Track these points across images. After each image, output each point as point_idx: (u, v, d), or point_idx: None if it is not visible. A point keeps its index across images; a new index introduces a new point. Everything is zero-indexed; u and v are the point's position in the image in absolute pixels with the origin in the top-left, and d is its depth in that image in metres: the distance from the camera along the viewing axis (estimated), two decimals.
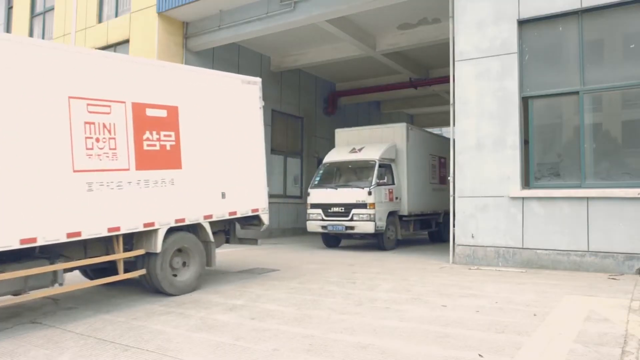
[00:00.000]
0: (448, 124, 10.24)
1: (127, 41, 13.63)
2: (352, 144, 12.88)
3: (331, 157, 12.80)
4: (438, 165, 14.50)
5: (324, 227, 11.78)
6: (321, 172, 12.61)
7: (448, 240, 12.60)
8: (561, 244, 7.77)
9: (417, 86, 17.54)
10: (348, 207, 11.40)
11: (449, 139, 15.33)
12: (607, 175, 7.78)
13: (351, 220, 11.35)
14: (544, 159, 8.36)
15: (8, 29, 18.80)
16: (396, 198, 12.03)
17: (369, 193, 11.15)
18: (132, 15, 13.54)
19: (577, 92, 7.96)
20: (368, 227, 11.20)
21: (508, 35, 8.36)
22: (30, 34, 17.02)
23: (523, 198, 8.09)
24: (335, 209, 11.61)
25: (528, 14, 8.22)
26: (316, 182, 12.35)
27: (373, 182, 11.30)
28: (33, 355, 4.16)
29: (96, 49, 14.38)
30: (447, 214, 13.91)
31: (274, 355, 3.95)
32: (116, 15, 14.39)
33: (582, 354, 3.74)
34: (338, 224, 11.55)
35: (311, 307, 5.60)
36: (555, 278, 7.01)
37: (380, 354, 3.91)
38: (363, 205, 11.21)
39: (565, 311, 5.09)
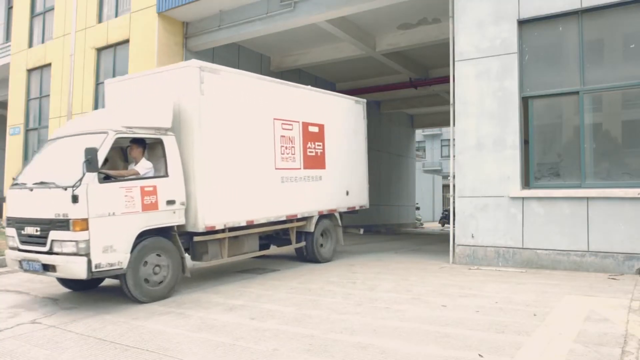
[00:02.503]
0: (448, 124, 10.24)
1: (127, 41, 13.62)
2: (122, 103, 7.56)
3: (61, 129, 6.95)
4: (301, 137, 8.84)
5: (20, 262, 6.02)
6: (36, 156, 6.87)
7: (324, 261, 9.18)
8: (561, 244, 7.77)
9: (417, 86, 17.54)
10: (45, 226, 5.71)
11: (326, 93, 10.12)
12: (607, 175, 7.78)
13: (50, 252, 5.67)
14: (544, 159, 8.36)
15: (8, 29, 18.82)
16: (170, 202, 6.36)
17: (74, 199, 5.45)
18: (132, 15, 13.54)
19: (577, 92, 7.96)
20: (74, 269, 5.51)
21: (508, 35, 8.35)
22: (30, 34, 17.03)
23: (523, 198, 8.09)
24: (30, 230, 5.90)
25: (528, 13, 8.21)
26: (18, 177, 6.52)
27: (84, 176, 5.51)
28: (33, 355, 4.16)
29: (96, 49, 14.47)
30: (327, 217, 9.53)
31: (274, 355, 3.95)
32: (116, 15, 14.39)
33: (582, 354, 3.74)
34: (33, 259, 5.82)
35: (311, 307, 5.60)
36: (555, 278, 7.01)
37: (380, 354, 3.91)
38: (64, 224, 5.54)
39: (565, 311, 5.09)
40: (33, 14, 17.06)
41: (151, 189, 6.24)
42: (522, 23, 8.34)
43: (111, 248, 5.71)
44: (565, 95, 8.17)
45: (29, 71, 16.83)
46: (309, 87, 9.48)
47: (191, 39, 13.44)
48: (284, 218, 8.40)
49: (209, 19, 13.01)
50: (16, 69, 17.17)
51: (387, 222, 23.71)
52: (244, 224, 7.55)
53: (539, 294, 5.96)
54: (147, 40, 12.97)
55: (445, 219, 28.49)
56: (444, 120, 22.55)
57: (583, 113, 7.92)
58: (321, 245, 9.48)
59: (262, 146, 8.02)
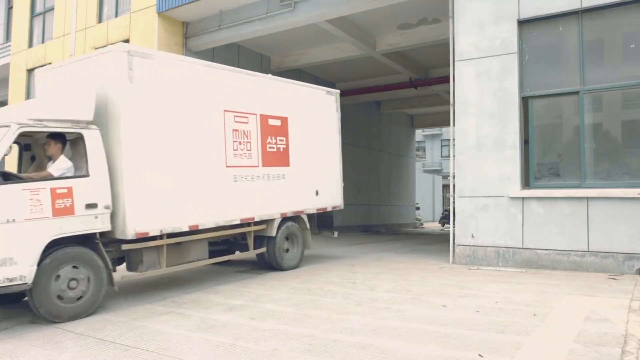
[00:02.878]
0: (448, 124, 10.24)
1: (127, 41, 13.59)
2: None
3: None
4: (258, 131, 7.93)
5: None
6: None
7: (288, 268, 8.39)
8: (561, 244, 7.77)
9: (417, 86, 17.54)
10: None
11: (290, 83, 9.04)
12: (607, 175, 7.78)
13: None
14: (544, 159, 8.36)
15: (8, 29, 18.83)
16: (90, 206, 5.59)
17: None
18: (132, 15, 13.55)
19: (577, 92, 7.96)
20: None
21: (508, 35, 8.35)
22: (30, 34, 17.03)
23: (523, 198, 8.09)
24: None
25: (528, 13, 8.21)
26: None
27: None
28: (33, 355, 4.16)
29: (96, 49, 14.46)
30: (292, 219, 8.69)
31: (274, 355, 3.95)
32: (116, 15, 14.39)
33: (582, 354, 3.74)
34: None
35: (311, 307, 5.60)
36: (555, 278, 7.01)
37: (380, 354, 3.91)
38: None
39: (565, 311, 5.09)
40: (33, 14, 17.06)
41: (65, 190, 5.39)
42: (522, 23, 8.34)
43: (11, 260, 4.93)
44: (565, 95, 8.17)
45: (29, 71, 16.82)
46: (269, 75, 8.59)
47: (191, 39, 13.44)
48: (237, 222, 7.50)
49: (209, 19, 13.02)
50: (16, 69, 17.17)
51: (387, 222, 23.74)
52: (186, 229, 6.66)
53: (539, 294, 5.96)
54: (147, 40, 12.97)
55: (445, 219, 28.51)
56: (444, 120, 22.56)
57: (583, 113, 7.92)
58: (286, 250, 8.58)
59: (209, 141, 7.11)
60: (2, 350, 4.30)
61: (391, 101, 22.25)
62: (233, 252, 8.13)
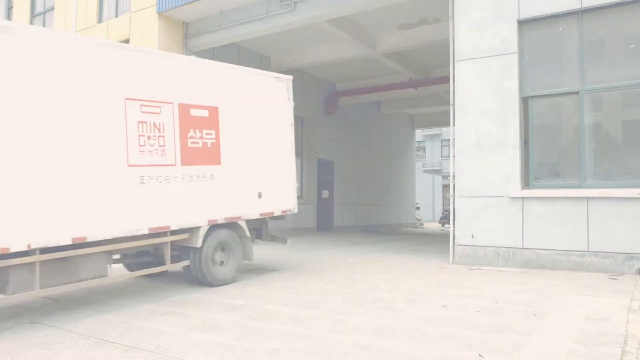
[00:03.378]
0: (448, 124, 10.24)
1: (127, 41, 13.60)
2: None
3: None
4: (176, 124, 6.61)
5: None
6: None
7: (219, 283, 7.03)
8: (561, 244, 7.77)
9: (417, 86, 17.54)
10: None
11: (224, 67, 7.61)
12: (607, 175, 7.78)
13: None
14: (544, 159, 8.37)
15: None
16: None
17: None
18: (132, 15, 13.55)
19: (577, 92, 7.96)
20: None
21: (508, 35, 8.36)
22: None
23: (523, 198, 8.09)
24: None
25: (528, 13, 8.22)
26: None
27: None
28: (33, 355, 4.16)
29: None
30: (226, 227, 7.29)
31: (274, 355, 3.95)
32: (116, 15, 14.40)
33: (582, 354, 3.74)
34: None
35: (311, 307, 5.60)
36: (555, 278, 7.02)
37: (380, 354, 3.91)
38: None
39: (565, 311, 5.09)
40: (33, 14, 17.07)
41: None
42: (522, 23, 8.34)
43: None
44: (565, 95, 8.18)
45: None
46: (193, 57, 7.43)
47: (191, 39, 13.45)
48: (145, 231, 6.15)
49: (209, 19, 13.02)
50: None
51: (387, 222, 23.74)
52: (69, 242, 5.39)
53: (539, 293, 5.96)
54: (147, 41, 12.97)
55: (445, 219, 28.50)
56: (444, 120, 22.54)
57: (583, 113, 7.92)
58: (220, 263, 7.20)
59: (102, 136, 5.79)
60: (2, 350, 4.30)
61: (391, 101, 22.24)
62: (161, 264, 6.78)
